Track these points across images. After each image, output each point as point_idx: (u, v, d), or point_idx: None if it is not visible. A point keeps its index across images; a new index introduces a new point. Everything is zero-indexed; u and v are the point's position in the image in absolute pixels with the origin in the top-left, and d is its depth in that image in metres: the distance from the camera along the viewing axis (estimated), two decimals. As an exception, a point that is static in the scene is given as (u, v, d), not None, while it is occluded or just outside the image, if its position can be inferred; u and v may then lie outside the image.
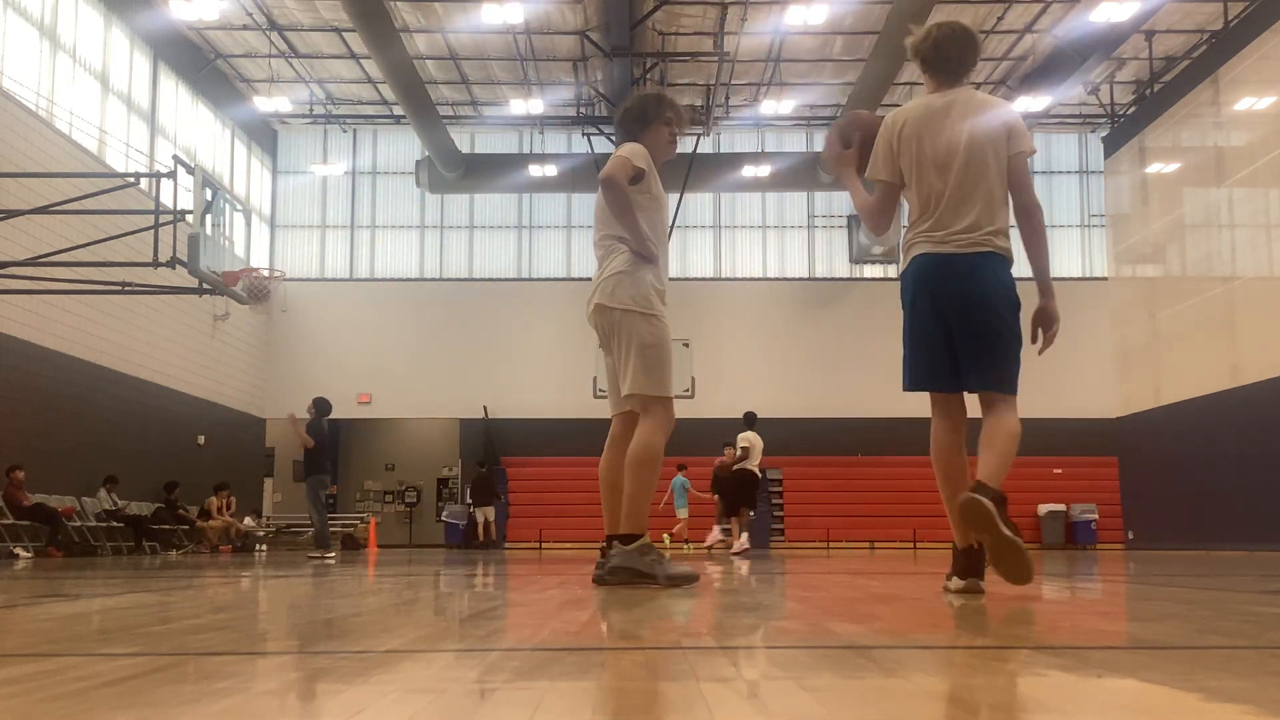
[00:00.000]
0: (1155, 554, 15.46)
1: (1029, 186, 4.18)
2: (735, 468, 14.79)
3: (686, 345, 21.23)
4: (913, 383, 4.28)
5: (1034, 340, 4.22)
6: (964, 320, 4.08)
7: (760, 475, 15.13)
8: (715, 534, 15.99)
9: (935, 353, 4.15)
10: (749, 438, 14.84)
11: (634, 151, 4.82)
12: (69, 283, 14.87)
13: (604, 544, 4.85)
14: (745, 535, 14.75)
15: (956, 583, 4.18)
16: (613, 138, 23.91)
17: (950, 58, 4.26)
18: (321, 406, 13.43)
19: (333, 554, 13.11)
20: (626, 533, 4.68)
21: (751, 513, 15.10)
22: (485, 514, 22.70)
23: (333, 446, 29.74)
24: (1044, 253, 4.22)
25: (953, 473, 4.29)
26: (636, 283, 4.74)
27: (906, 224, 4.32)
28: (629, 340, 4.71)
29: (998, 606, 3.89)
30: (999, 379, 4.11)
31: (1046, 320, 4.26)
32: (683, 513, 20.29)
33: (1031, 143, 4.20)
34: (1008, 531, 3.75)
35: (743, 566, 9.09)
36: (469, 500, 25.06)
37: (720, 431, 23.55)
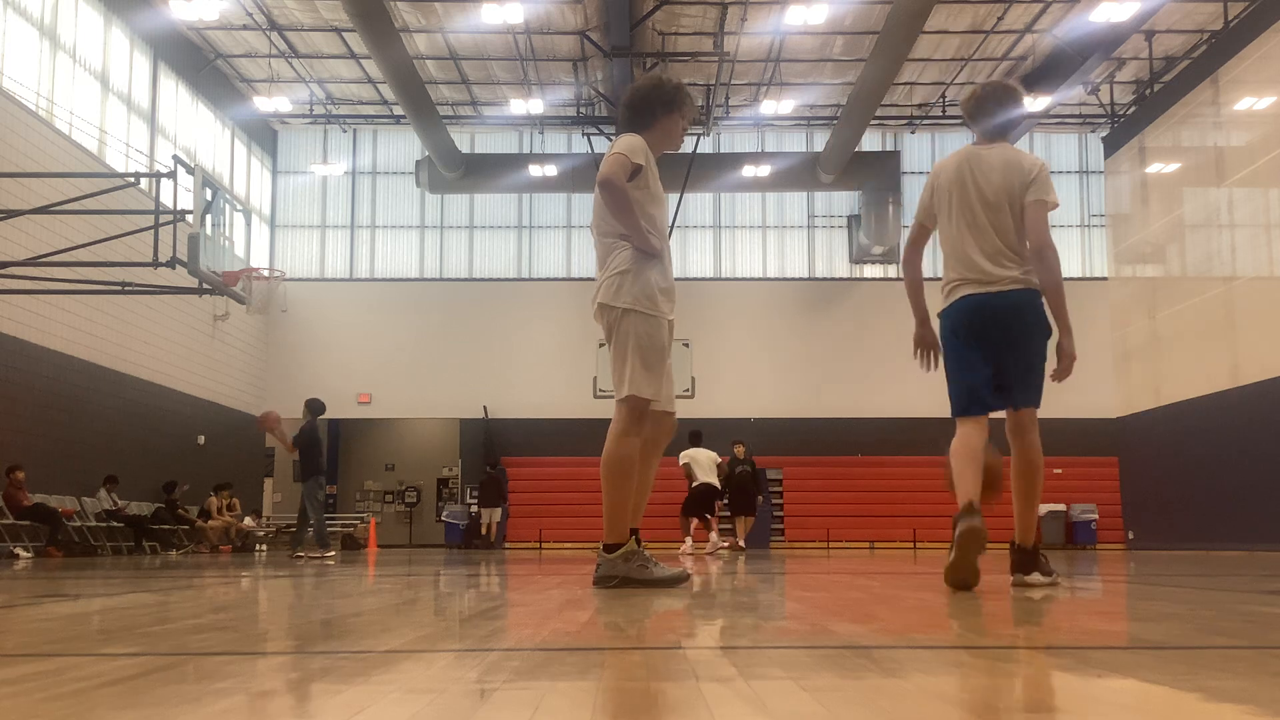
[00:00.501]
0: (1155, 554, 15.46)
1: (1043, 231, 4.62)
2: (694, 484, 15.79)
3: (686, 345, 21.23)
4: (962, 409, 4.68)
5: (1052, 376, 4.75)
6: (1011, 350, 4.59)
7: (719, 488, 16.15)
8: (714, 539, 16.14)
9: (982, 379, 4.64)
10: (689, 454, 15.81)
11: (631, 147, 4.67)
12: (69, 283, 14.87)
13: (702, 544, 4.91)
14: (715, 535, 15.87)
15: (963, 524, 4.41)
16: (612, 138, 23.91)
17: (989, 112, 4.73)
18: (314, 407, 13.31)
19: (333, 553, 13.11)
20: (609, 542, 4.64)
21: (709, 516, 16.12)
22: (491, 515, 22.70)
23: (329, 446, 29.83)
24: (1058, 293, 4.66)
25: (972, 454, 4.54)
26: (639, 282, 4.63)
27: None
28: (626, 340, 4.62)
29: (998, 606, 3.89)
30: (1036, 398, 4.71)
31: (1064, 357, 4.73)
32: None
33: (1053, 195, 4.65)
34: (973, 561, 4.32)
35: (723, 566, 9.09)
36: (470, 500, 25.07)
37: (721, 431, 23.57)
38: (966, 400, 4.65)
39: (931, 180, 4.80)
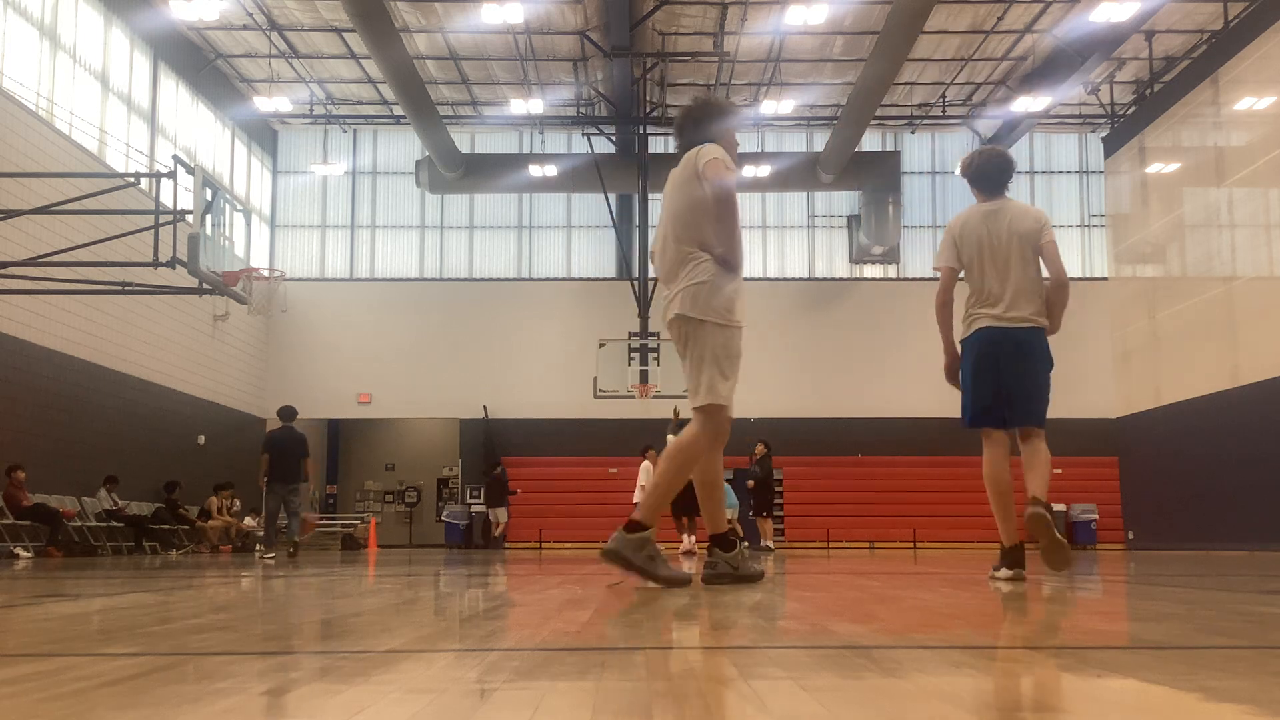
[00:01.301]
0: (1155, 554, 15.46)
1: (1061, 262, 5.55)
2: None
3: (686, 345, 21.25)
4: (973, 421, 5.60)
5: None
6: (1019, 376, 5.45)
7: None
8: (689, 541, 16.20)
9: (991, 398, 5.50)
10: (644, 469, 15.87)
11: (725, 156, 4.73)
12: (69, 283, 14.86)
13: (706, 544, 5.01)
14: (692, 538, 15.80)
15: (1005, 572, 5.39)
16: (613, 137, 23.94)
17: (992, 177, 5.61)
18: (280, 414, 13.84)
19: (273, 555, 12.94)
20: (635, 520, 4.66)
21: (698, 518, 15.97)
22: (497, 515, 22.68)
23: (329, 446, 29.83)
24: (1060, 316, 5.56)
25: (1003, 487, 5.52)
26: (719, 293, 4.67)
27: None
28: (703, 349, 4.69)
29: (998, 606, 3.90)
30: (1041, 417, 5.56)
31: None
32: (729, 511, 20.34)
33: (1053, 234, 5.58)
34: (1058, 535, 5.23)
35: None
36: (471, 500, 25.08)
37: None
38: (974, 413, 5.56)
39: (954, 234, 5.57)
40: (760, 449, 17.47)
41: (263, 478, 13.48)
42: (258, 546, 14.30)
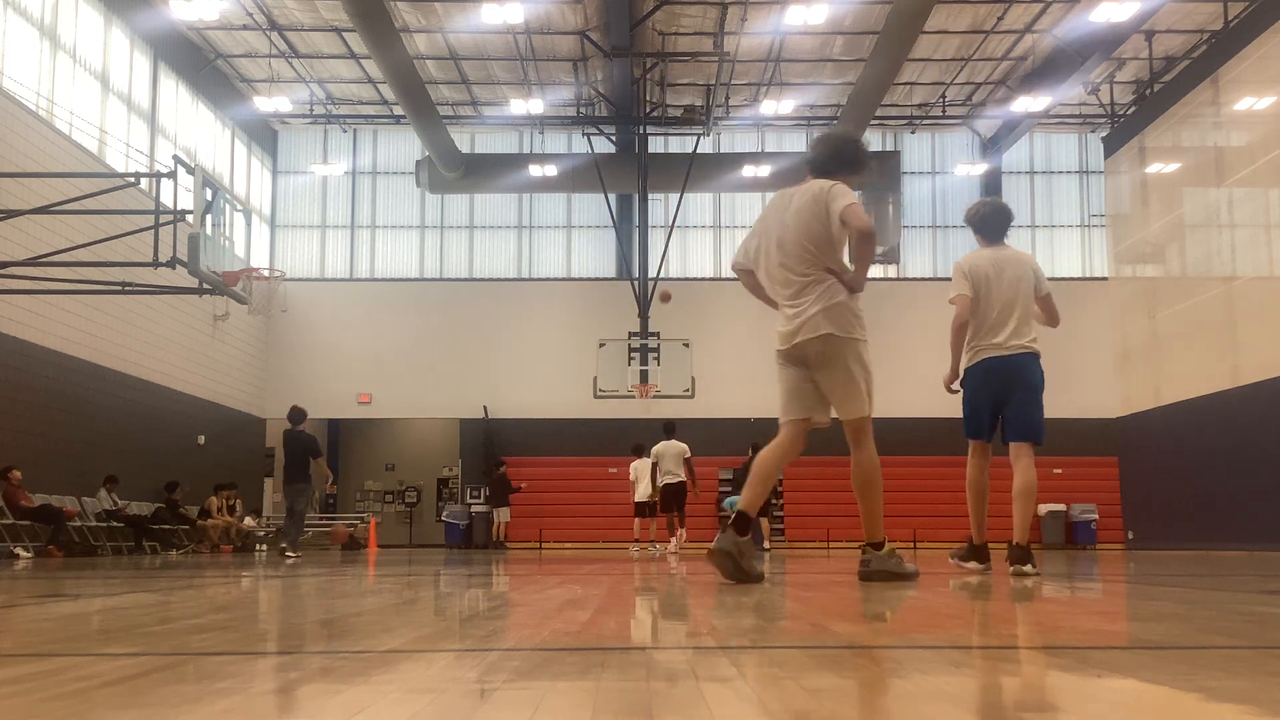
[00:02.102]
0: (1155, 554, 15.46)
1: (1056, 311, 6.53)
2: (661, 483, 15.89)
3: (686, 345, 21.26)
4: (973, 433, 6.48)
5: None
6: (1018, 396, 6.27)
7: (685, 485, 16.06)
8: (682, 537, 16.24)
9: (988, 417, 6.39)
10: (657, 449, 15.98)
11: (854, 196, 5.15)
12: (69, 283, 14.86)
13: (863, 545, 5.42)
14: (682, 532, 15.93)
15: (975, 565, 6.57)
16: (613, 137, 23.94)
17: (995, 225, 6.51)
18: (289, 415, 13.99)
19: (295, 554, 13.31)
20: (876, 541, 5.33)
21: (676, 514, 16.25)
22: (500, 515, 22.68)
23: (329, 447, 29.81)
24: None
25: (981, 490, 6.40)
26: (853, 312, 5.12)
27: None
28: (851, 366, 5.10)
29: (998, 606, 3.90)
30: (1039, 432, 6.33)
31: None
32: (729, 510, 20.43)
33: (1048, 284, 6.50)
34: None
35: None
36: (471, 500, 25.07)
37: (721, 431, 23.58)
38: (972, 428, 6.47)
39: (964, 270, 6.35)
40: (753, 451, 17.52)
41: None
42: (257, 546, 14.44)
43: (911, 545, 23.45)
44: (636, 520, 17.07)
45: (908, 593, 4.68)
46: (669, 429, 16.24)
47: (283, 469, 14.31)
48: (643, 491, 16.41)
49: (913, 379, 23.94)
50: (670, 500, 15.91)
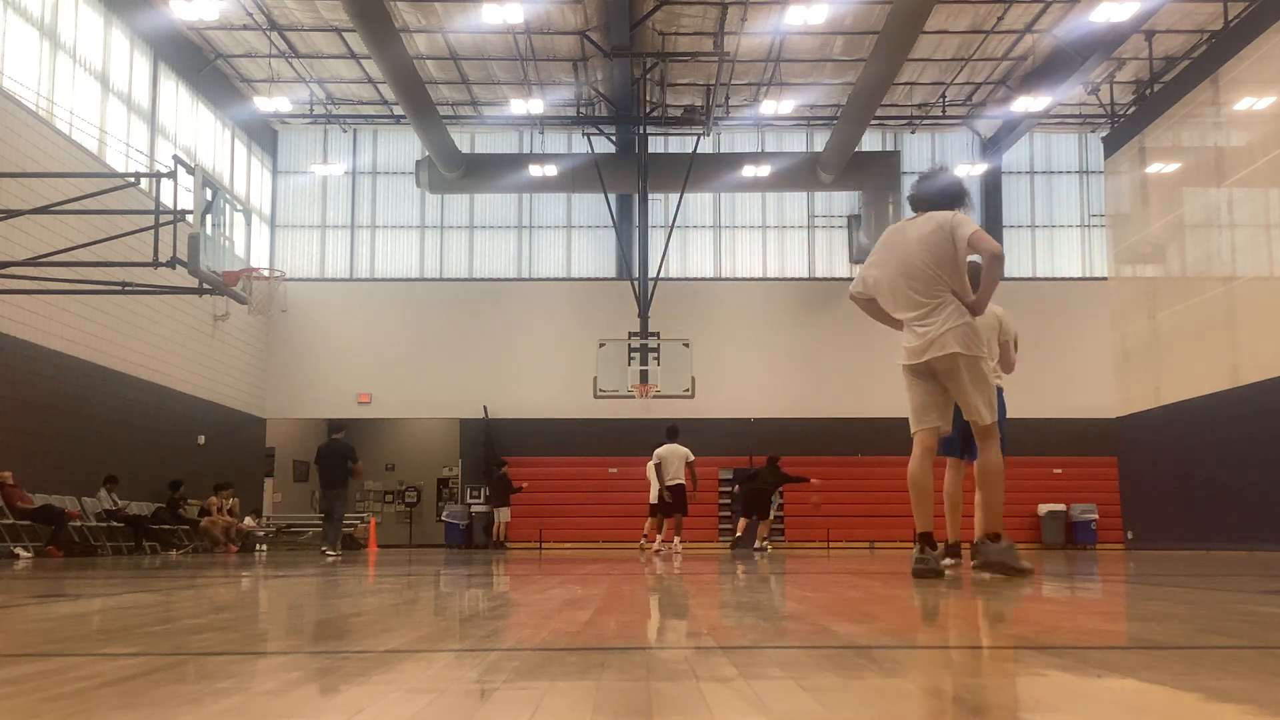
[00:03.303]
0: (1155, 554, 15.46)
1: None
2: (665, 484, 16.15)
3: (686, 345, 21.26)
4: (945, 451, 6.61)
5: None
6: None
7: (686, 488, 16.28)
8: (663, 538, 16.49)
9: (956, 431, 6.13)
10: (660, 452, 16.23)
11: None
12: (69, 283, 14.85)
13: (919, 540, 5.73)
14: (677, 539, 16.15)
15: (949, 561, 6.68)
16: (613, 137, 23.94)
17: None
18: (328, 427, 15.36)
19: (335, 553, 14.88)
20: (995, 533, 5.79)
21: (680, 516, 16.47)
22: (501, 515, 22.68)
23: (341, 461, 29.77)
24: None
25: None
26: (976, 331, 5.61)
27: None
28: (976, 378, 5.58)
29: (998, 606, 3.90)
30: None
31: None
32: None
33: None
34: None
35: (725, 567, 9.08)
36: (471, 500, 25.05)
37: (721, 431, 23.59)
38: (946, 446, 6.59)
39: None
40: (764, 460, 17.96)
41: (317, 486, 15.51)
42: (258, 546, 14.66)
43: (911, 545, 23.45)
44: (649, 519, 17.23)
45: (1022, 590, 4.98)
46: (673, 433, 16.41)
47: (322, 476, 15.65)
48: (654, 493, 16.54)
49: (913, 379, 23.93)
50: (675, 502, 16.11)
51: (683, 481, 15.98)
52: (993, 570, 5.76)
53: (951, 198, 5.78)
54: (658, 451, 16.24)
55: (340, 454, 15.35)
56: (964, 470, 6.77)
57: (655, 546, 16.12)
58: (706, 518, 21.53)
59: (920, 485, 5.70)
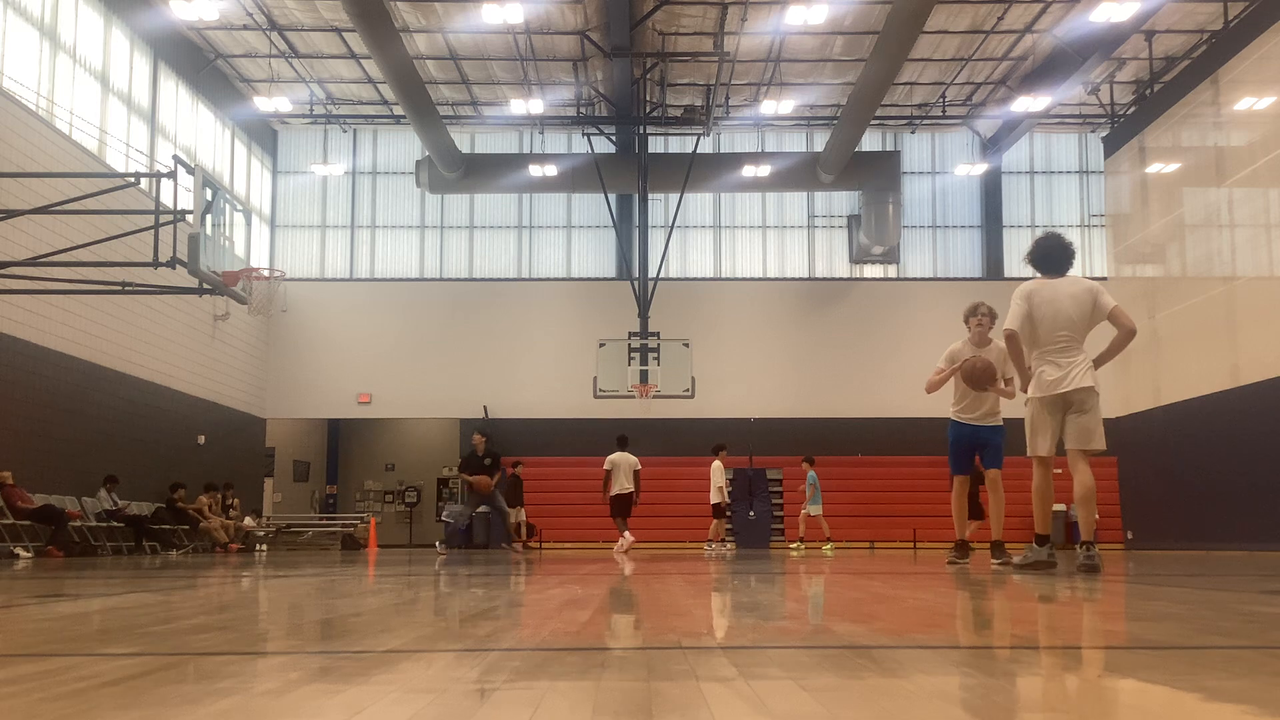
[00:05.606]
0: (1154, 554, 15.46)
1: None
2: (612, 493, 16.73)
3: (686, 345, 21.26)
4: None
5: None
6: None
7: (632, 495, 16.91)
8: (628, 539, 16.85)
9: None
10: (612, 459, 16.79)
11: None
12: (69, 283, 14.85)
13: (1041, 541, 7.14)
14: (628, 535, 16.67)
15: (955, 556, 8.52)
16: (613, 137, 23.94)
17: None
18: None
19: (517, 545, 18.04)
20: (1041, 534, 7.18)
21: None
22: (516, 515, 22.66)
23: (329, 447, 29.92)
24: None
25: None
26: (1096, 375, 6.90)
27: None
28: (1098, 409, 6.84)
29: (998, 606, 3.90)
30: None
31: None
32: (815, 509, 20.66)
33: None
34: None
35: (721, 566, 9.07)
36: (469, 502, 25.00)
37: (721, 431, 23.55)
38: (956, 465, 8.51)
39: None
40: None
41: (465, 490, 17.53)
42: (258, 546, 14.47)
43: (911, 545, 23.45)
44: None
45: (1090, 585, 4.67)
46: (623, 441, 16.88)
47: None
48: (619, 486, 16.89)
49: (912, 379, 23.96)
50: (620, 508, 16.70)
51: (631, 490, 16.55)
52: (1027, 569, 7.01)
53: (1070, 258, 7.19)
54: (611, 459, 16.69)
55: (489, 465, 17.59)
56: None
57: (620, 548, 16.53)
58: (705, 518, 21.46)
59: (1047, 495, 7.08)
